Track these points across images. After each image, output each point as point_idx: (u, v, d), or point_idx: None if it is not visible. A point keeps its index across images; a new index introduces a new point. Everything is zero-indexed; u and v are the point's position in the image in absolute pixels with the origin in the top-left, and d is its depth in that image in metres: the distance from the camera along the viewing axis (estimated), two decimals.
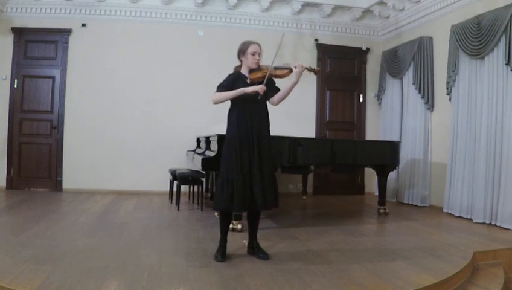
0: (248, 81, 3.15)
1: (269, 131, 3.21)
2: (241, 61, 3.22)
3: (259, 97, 3.01)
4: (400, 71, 6.63)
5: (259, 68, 3.15)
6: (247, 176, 3.04)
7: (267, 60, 3.19)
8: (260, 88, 2.99)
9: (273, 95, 3.18)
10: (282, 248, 3.48)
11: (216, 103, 3.11)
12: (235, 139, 3.08)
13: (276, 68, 3.13)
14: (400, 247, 3.62)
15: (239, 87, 3.07)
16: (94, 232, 3.82)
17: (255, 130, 3.09)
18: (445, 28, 5.67)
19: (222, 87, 3.11)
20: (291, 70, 3.12)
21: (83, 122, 6.53)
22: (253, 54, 3.12)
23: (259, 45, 3.18)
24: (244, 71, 3.21)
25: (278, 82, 3.23)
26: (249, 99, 3.07)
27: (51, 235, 3.63)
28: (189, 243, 3.63)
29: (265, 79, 3.04)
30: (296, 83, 3.11)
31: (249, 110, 3.10)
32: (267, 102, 3.22)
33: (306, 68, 3.18)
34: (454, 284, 2.89)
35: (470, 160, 5.18)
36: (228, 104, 3.21)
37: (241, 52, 3.18)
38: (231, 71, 3.30)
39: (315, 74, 3.32)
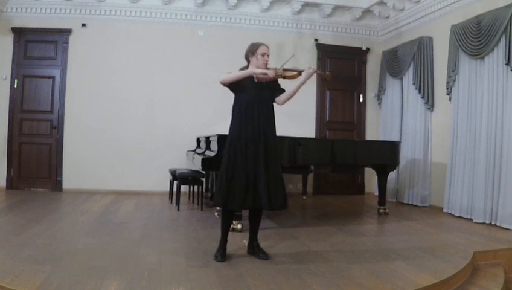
0: (255, 80, 3.16)
1: (275, 132, 3.23)
2: (248, 61, 3.26)
3: (255, 80, 3.07)
4: (400, 71, 6.63)
5: (267, 69, 3.20)
6: (251, 175, 3.04)
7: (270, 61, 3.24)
8: (269, 72, 3.06)
9: (279, 95, 3.25)
10: (282, 248, 3.48)
11: (223, 82, 3.12)
12: (240, 137, 3.09)
13: (285, 70, 3.21)
14: (400, 247, 3.62)
15: (246, 84, 3.11)
16: (94, 232, 3.82)
17: (261, 129, 3.10)
18: (445, 28, 5.67)
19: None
20: (299, 73, 3.19)
21: (83, 122, 6.53)
22: (263, 54, 3.18)
23: (268, 47, 3.25)
24: None
25: (284, 84, 3.30)
26: (253, 97, 3.10)
27: (51, 235, 3.63)
28: (189, 243, 3.63)
29: (274, 76, 3.11)
30: (303, 83, 3.18)
31: (256, 109, 3.11)
32: (273, 102, 3.27)
33: (318, 72, 3.27)
34: (454, 284, 2.89)
35: (470, 160, 5.18)
36: (231, 102, 3.22)
37: (251, 52, 3.22)
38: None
39: (326, 79, 3.40)
